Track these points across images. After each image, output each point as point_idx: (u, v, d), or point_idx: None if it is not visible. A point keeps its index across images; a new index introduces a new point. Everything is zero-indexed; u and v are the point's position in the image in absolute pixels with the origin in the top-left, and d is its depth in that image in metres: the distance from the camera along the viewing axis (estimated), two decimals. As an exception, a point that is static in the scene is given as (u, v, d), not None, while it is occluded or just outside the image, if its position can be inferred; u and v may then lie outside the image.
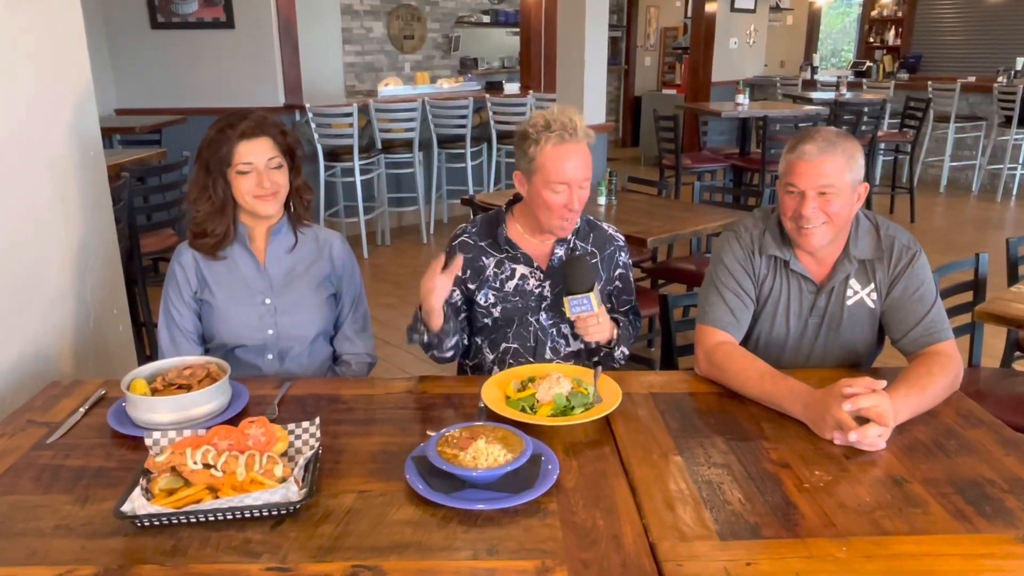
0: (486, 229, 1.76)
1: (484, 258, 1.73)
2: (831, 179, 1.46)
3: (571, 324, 1.76)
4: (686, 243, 3.73)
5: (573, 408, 1.35)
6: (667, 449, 1.27)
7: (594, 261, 1.76)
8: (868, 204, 5.64)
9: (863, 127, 5.48)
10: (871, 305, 1.59)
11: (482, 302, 1.73)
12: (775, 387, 1.39)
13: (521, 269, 1.72)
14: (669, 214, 3.10)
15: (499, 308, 1.72)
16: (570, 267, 1.53)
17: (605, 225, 1.81)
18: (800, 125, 5.25)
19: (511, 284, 1.72)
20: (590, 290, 1.50)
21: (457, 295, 1.75)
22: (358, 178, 4.97)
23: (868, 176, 5.63)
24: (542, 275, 1.72)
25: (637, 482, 1.17)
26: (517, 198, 1.76)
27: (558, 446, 1.27)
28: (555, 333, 1.73)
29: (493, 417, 1.33)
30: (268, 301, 1.69)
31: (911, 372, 1.43)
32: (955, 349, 1.50)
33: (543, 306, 1.72)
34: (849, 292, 1.59)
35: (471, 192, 5.39)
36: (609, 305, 1.80)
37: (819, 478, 1.18)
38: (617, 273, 1.80)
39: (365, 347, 1.81)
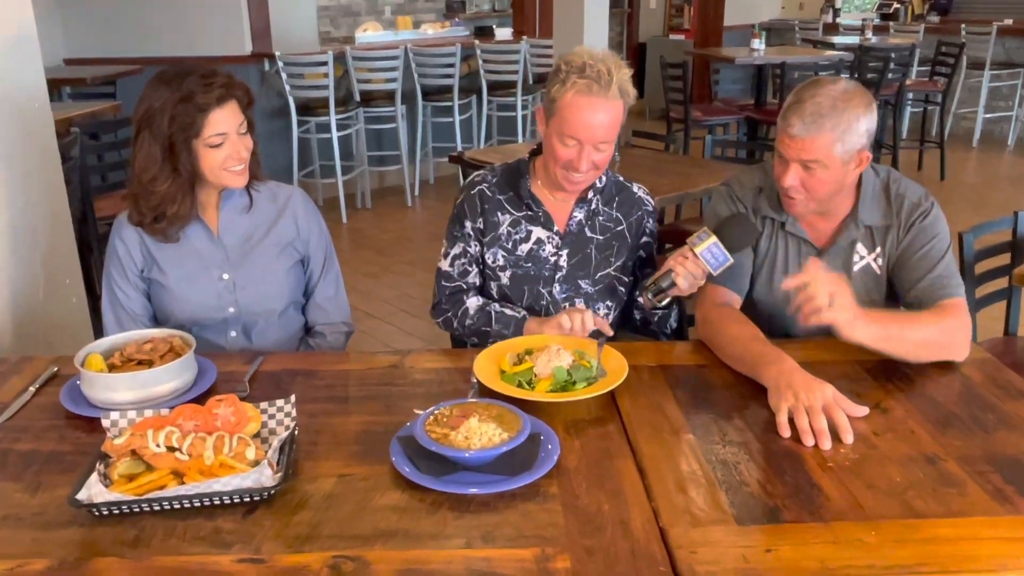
0: (507, 180, 1.72)
1: (500, 213, 1.70)
2: (815, 155, 1.46)
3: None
4: (696, 203, 3.69)
5: (575, 383, 1.34)
6: (678, 426, 1.27)
7: (619, 228, 1.73)
8: (894, 162, 5.66)
9: (889, 75, 5.43)
10: (877, 271, 1.60)
11: (490, 261, 1.71)
12: (759, 348, 1.40)
13: (538, 232, 1.69)
14: (677, 171, 3.09)
15: (508, 273, 1.70)
16: (739, 220, 1.49)
17: (635, 187, 1.77)
18: (821, 73, 5.19)
19: (524, 248, 1.69)
20: (736, 250, 1.47)
21: (476, 247, 1.72)
22: (335, 134, 4.91)
23: (895, 130, 5.64)
24: (559, 241, 1.69)
25: (646, 463, 1.17)
26: (540, 148, 1.71)
27: (559, 424, 1.26)
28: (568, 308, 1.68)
29: (487, 393, 1.32)
30: (226, 276, 1.65)
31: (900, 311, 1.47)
32: (964, 308, 1.49)
33: (558, 276, 1.69)
34: (855, 257, 1.60)
35: (460, 148, 5.34)
36: (630, 279, 1.77)
37: (844, 456, 1.18)
38: (643, 242, 1.76)
39: (340, 315, 1.78)
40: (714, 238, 1.45)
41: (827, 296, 1.31)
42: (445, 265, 1.76)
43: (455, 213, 1.76)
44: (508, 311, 1.66)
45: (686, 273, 1.46)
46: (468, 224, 1.72)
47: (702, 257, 1.45)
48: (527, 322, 1.63)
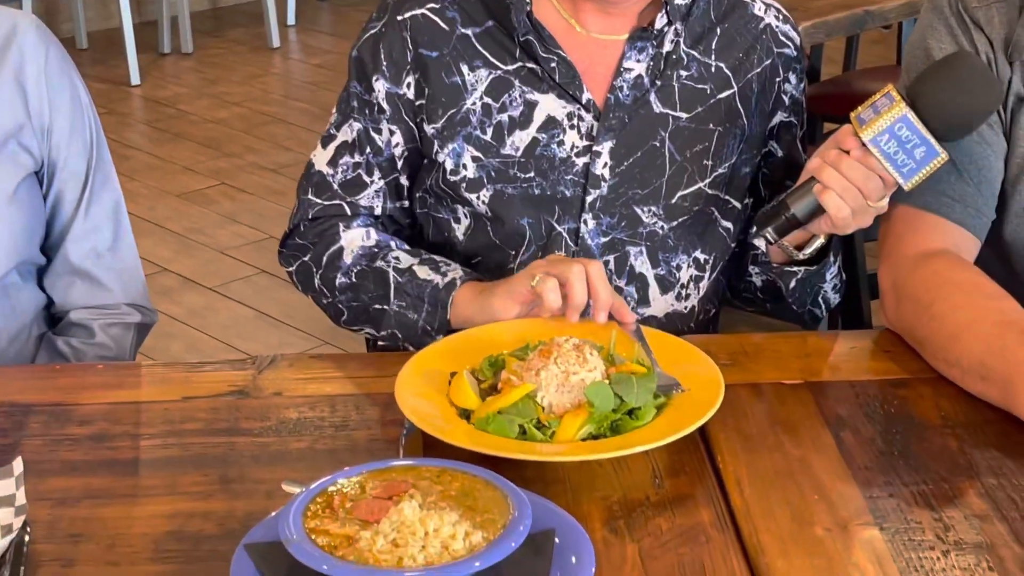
0: None
1: (466, 65, 1.76)
2: None
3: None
4: (891, 37, 3.84)
5: (633, 412, 1.36)
6: (849, 512, 1.29)
7: (725, 95, 1.76)
8: None
9: None
10: None
11: (449, 168, 1.74)
12: (1019, 342, 1.43)
13: (551, 104, 1.75)
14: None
15: (488, 194, 1.74)
16: (959, 69, 1.52)
17: (758, 2, 1.84)
18: None
19: (520, 138, 1.75)
20: (956, 133, 1.51)
21: (400, 134, 1.75)
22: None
23: None
24: (595, 124, 1.72)
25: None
26: None
27: (592, 506, 1.28)
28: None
29: (435, 449, 1.33)
30: None
31: None
32: None
33: (591, 199, 1.74)
34: None
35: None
36: (748, 202, 1.82)
37: None
38: (777, 123, 1.84)
39: (124, 289, 1.87)
40: (904, 108, 1.46)
41: None
42: (321, 161, 1.80)
43: (356, 58, 1.78)
44: (424, 270, 1.67)
45: (845, 185, 1.49)
46: (384, 83, 1.77)
47: (877, 149, 1.47)
48: (458, 290, 1.63)
